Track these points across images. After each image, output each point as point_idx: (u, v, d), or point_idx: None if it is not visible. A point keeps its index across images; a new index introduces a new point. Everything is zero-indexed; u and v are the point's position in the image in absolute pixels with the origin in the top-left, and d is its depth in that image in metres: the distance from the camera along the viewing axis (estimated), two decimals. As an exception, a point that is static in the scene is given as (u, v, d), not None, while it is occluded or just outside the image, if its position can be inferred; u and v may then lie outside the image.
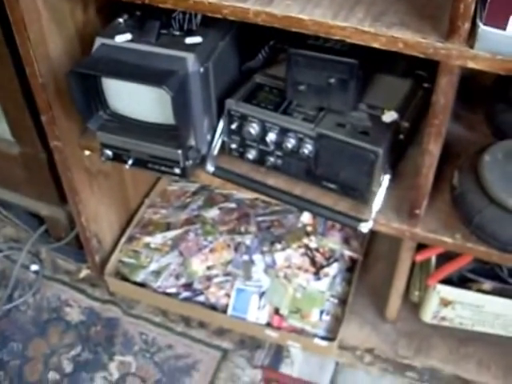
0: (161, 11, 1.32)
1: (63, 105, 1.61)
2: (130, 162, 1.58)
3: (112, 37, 1.43)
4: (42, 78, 1.51)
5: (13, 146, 1.96)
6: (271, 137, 1.49)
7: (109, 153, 1.58)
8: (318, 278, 1.94)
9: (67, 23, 1.53)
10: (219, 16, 1.24)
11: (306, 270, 1.96)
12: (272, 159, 1.54)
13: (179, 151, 1.50)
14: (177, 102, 1.35)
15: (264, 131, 1.50)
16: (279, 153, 1.52)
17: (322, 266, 1.97)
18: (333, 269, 1.97)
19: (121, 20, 1.47)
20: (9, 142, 1.96)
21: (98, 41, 1.44)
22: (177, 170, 1.55)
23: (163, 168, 1.56)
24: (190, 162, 1.53)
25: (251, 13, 1.20)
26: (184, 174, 1.56)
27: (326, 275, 1.95)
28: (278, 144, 1.49)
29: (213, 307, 1.93)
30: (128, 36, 1.42)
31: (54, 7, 1.46)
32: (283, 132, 1.48)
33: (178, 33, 1.43)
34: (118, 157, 1.59)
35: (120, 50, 1.41)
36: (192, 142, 1.51)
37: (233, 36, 1.50)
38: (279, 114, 1.48)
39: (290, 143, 1.47)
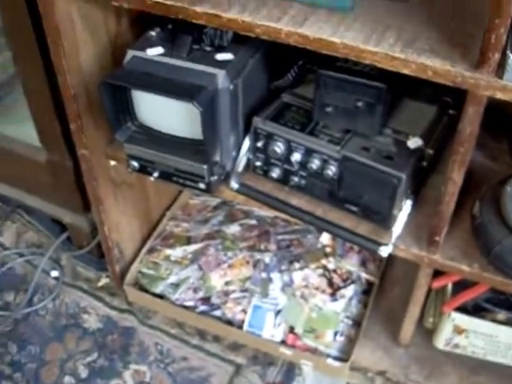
0: (192, 26, 1.32)
1: (92, 114, 1.62)
2: (156, 174, 1.59)
3: (143, 49, 1.44)
4: (73, 89, 1.52)
5: (40, 152, 1.98)
6: (296, 157, 1.50)
7: (135, 164, 1.59)
8: (335, 299, 1.95)
9: (100, 34, 1.55)
10: (252, 35, 1.25)
11: (323, 291, 1.96)
12: (296, 179, 1.55)
13: (205, 166, 1.51)
14: (205, 117, 1.36)
15: (289, 151, 1.50)
16: (303, 173, 1.52)
17: (339, 288, 1.97)
18: (349, 290, 1.97)
19: (153, 33, 1.48)
20: (37, 149, 1.98)
21: (130, 53, 1.45)
22: (201, 185, 1.55)
23: (188, 182, 1.57)
24: (215, 177, 1.54)
25: (283, 33, 1.21)
26: (208, 190, 1.56)
27: (343, 296, 1.96)
28: (303, 164, 1.50)
29: (229, 322, 1.94)
30: (160, 49, 1.43)
31: (88, 17, 1.48)
32: (308, 153, 1.48)
33: (209, 48, 1.44)
34: (144, 169, 1.60)
35: (151, 63, 1.42)
36: (217, 158, 1.52)
37: (263, 54, 1.51)
38: (305, 135, 1.48)
39: (315, 164, 1.48)
